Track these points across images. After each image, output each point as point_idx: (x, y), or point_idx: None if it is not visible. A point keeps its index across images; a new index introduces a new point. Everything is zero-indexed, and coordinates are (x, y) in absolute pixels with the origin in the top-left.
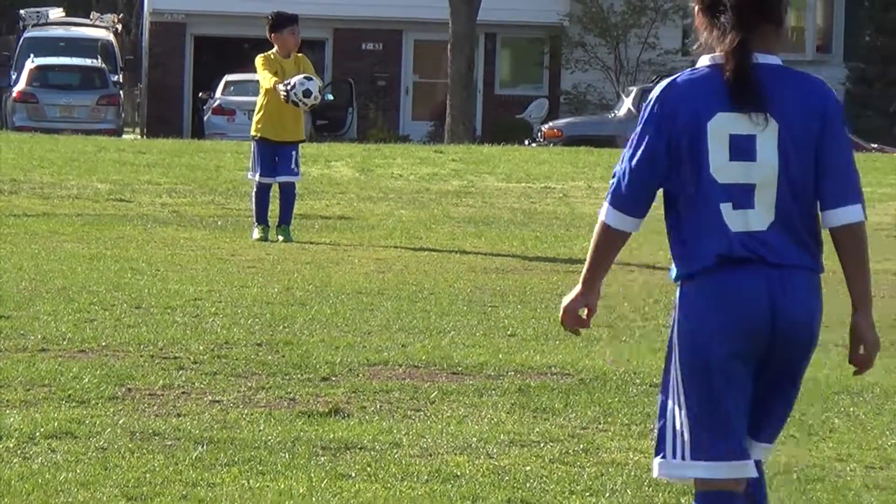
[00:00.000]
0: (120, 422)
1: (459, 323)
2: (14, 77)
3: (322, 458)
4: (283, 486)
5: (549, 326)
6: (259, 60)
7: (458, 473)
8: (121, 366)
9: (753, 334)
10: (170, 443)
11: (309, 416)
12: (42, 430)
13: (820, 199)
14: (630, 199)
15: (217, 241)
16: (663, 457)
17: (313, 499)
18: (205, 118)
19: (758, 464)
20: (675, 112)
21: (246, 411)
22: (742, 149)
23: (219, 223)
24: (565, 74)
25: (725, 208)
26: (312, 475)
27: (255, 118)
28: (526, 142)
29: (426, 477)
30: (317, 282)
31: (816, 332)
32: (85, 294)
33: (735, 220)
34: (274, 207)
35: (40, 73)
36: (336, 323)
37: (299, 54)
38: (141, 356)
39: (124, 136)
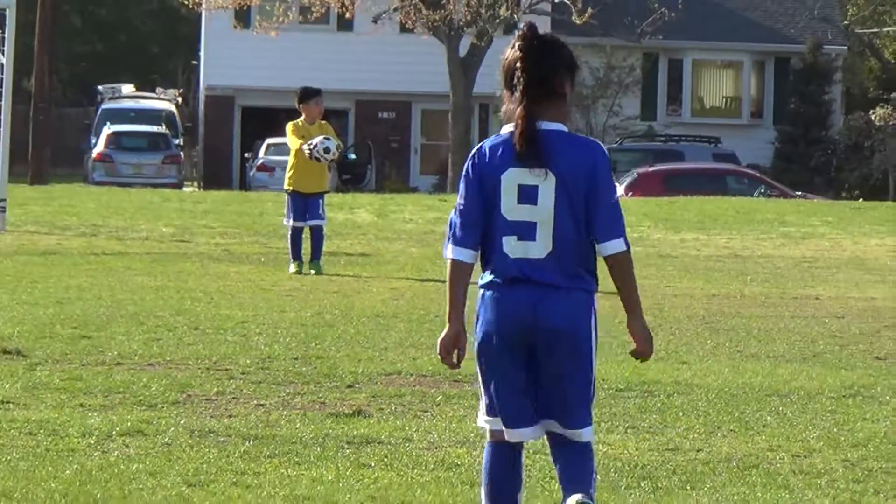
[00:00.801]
0: (181, 422)
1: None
2: (94, 141)
3: (347, 451)
4: (315, 474)
5: None
6: (289, 127)
7: (459, 463)
8: (182, 376)
9: (519, 335)
10: (222, 439)
11: (336, 417)
12: (118, 429)
13: (593, 235)
14: (465, 237)
15: (260, 275)
16: (481, 413)
17: (340, 484)
18: (250, 174)
19: (586, 445)
20: (483, 168)
21: (285, 413)
22: (526, 195)
23: (262, 259)
24: None
25: (511, 240)
26: (339, 465)
27: (287, 174)
28: None
29: (433, 466)
30: (342, 307)
31: (581, 338)
32: (152, 318)
33: (518, 248)
34: (306, 247)
35: (115, 137)
36: (358, 341)
37: (323, 122)
38: (198, 368)
39: (184, 189)
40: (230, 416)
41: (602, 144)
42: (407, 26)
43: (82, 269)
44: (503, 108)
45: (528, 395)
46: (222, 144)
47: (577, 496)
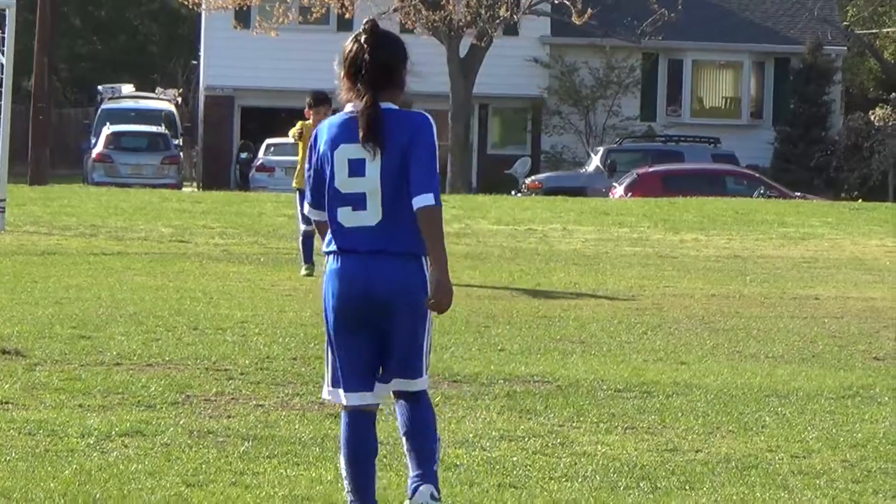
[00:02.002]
0: (180, 422)
1: (458, 340)
2: (93, 141)
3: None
4: (314, 474)
5: (531, 342)
6: (294, 129)
7: (458, 463)
8: (181, 377)
9: (355, 304)
10: (221, 439)
11: (335, 417)
12: (117, 429)
13: (409, 191)
14: (315, 201)
15: (260, 275)
16: (325, 385)
17: (339, 485)
18: (250, 175)
19: (421, 394)
20: (319, 145)
21: (284, 413)
22: (355, 168)
23: (261, 259)
24: (545, 137)
25: (344, 211)
26: (338, 466)
27: (297, 173)
28: (512, 192)
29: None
30: None
31: (412, 302)
32: (151, 318)
33: (351, 218)
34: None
35: (115, 138)
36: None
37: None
38: (197, 369)
39: (184, 189)
40: (229, 417)
41: (429, 116)
42: (407, 27)
43: (81, 270)
44: (340, 96)
45: (367, 361)
46: (222, 145)
47: (424, 487)
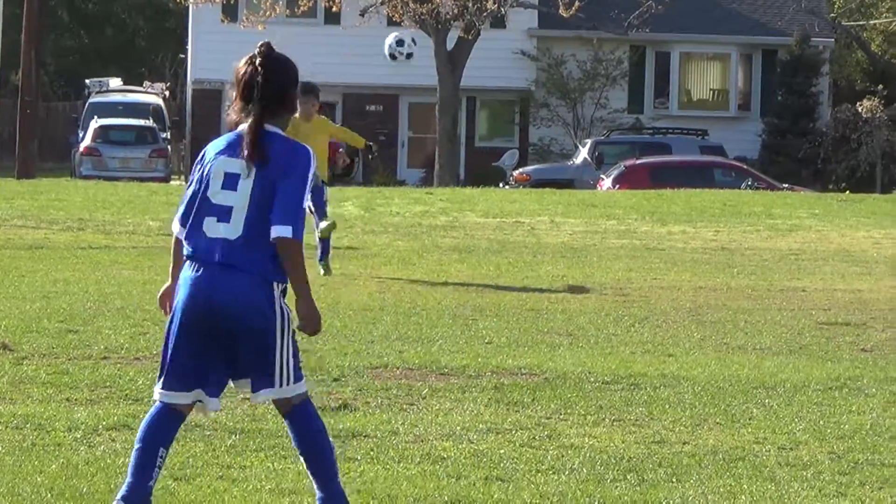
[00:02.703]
0: None
1: (446, 333)
2: (81, 135)
3: (334, 445)
4: (301, 468)
5: (519, 335)
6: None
7: (445, 456)
8: None
9: (197, 310)
10: (209, 433)
11: (323, 410)
12: (104, 423)
13: (270, 219)
14: (185, 217)
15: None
16: (157, 384)
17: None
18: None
19: (299, 405)
20: (206, 157)
21: (270, 407)
22: (229, 182)
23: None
24: (532, 130)
25: (210, 221)
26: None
27: None
28: (500, 185)
29: (419, 459)
30: (329, 300)
31: (256, 320)
32: (139, 312)
33: (215, 228)
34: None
35: (103, 131)
36: (345, 334)
37: (322, 117)
38: None
39: (171, 183)
40: (219, 410)
41: (311, 151)
42: (394, 19)
43: (69, 263)
44: (230, 116)
45: (195, 367)
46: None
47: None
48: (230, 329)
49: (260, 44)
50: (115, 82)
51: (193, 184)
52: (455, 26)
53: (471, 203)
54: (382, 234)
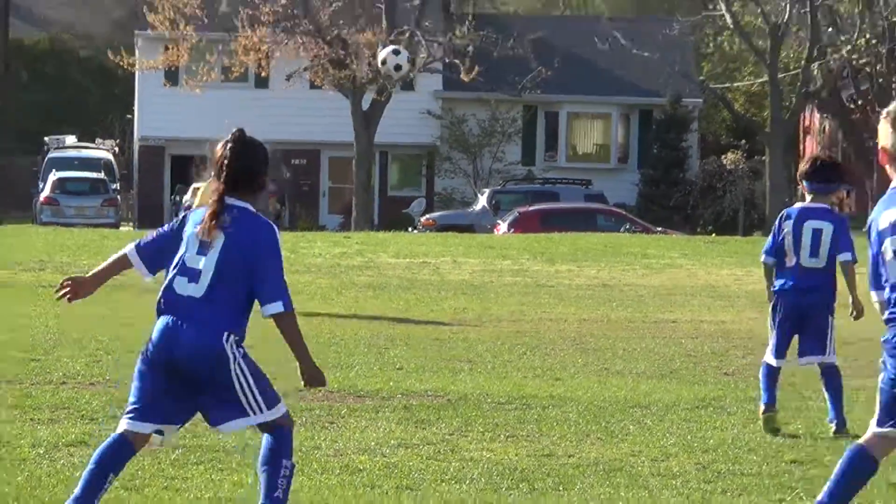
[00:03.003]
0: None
1: (362, 360)
2: (42, 186)
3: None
4: (236, 478)
5: (426, 362)
6: (201, 188)
7: (361, 468)
8: (119, 394)
9: (161, 357)
10: (155, 449)
11: (252, 427)
12: (63, 440)
13: (258, 299)
14: (145, 246)
15: None
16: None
17: (258, 488)
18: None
19: (274, 427)
20: (183, 223)
21: (209, 426)
22: (201, 249)
23: None
24: (438, 180)
25: (182, 280)
26: (257, 471)
27: None
28: (410, 229)
29: (338, 471)
30: (260, 333)
31: (210, 361)
32: (93, 343)
33: (185, 287)
34: None
35: (60, 183)
36: (274, 361)
37: None
38: None
39: (121, 228)
40: None
41: (274, 226)
42: (316, 83)
43: (32, 300)
44: (206, 190)
45: (162, 402)
46: (155, 189)
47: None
48: (189, 371)
49: (235, 129)
50: (71, 139)
51: (165, 233)
52: (370, 89)
53: (384, 245)
54: (306, 273)
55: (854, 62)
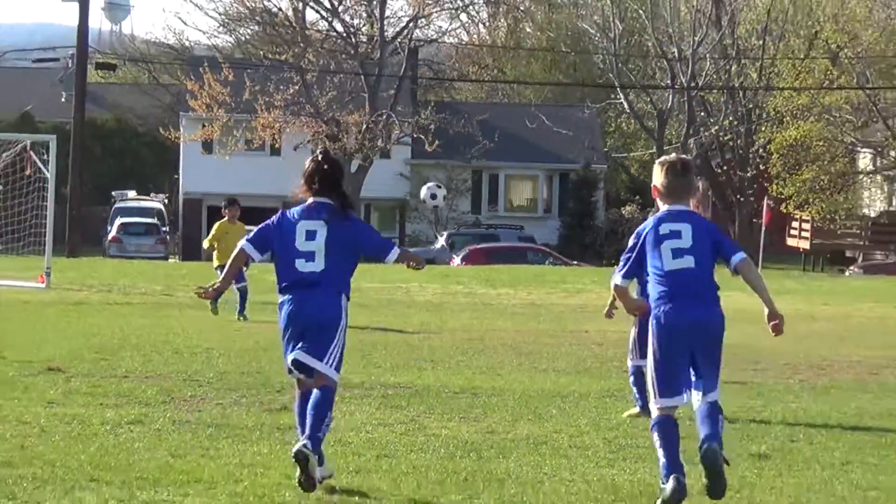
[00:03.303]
0: (167, 415)
1: (351, 360)
2: (109, 228)
3: (276, 434)
4: (255, 448)
5: (399, 361)
6: (217, 224)
7: (350, 441)
8: (167, 385)
9: (297, 321)
10: (194, 426)
11: (269, 411)
12: (125, 419)
13: (375, 254)
14: (254, 241)
15: (219, 318)
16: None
17: (272, 455)
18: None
19: (326, 380)
20: (284, 221)
21: (236, 408)
22: (310, 235)
23: (221, 309)
24: (408, 225)
25: (301, 261)
26: (271, 443)
27: (215, 256)
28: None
29: (332, 443)
30: (273, 339)
31: (327, 318)
32: (148, 346)
33: (304, 266)
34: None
35: (124, 226)
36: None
37: (239, 222)
38: (178, 379)
39: (169, 260)
40: (199, 411)
41: (355, 213)
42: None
43: (101, 314)
44: (297, 194)
45: (293, 342)
46: (195, 231)
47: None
48: (315, 323)
49: (321, 149)
50: (132, 193)
51: (268, 228)
52: (357, 157)
53: (368, 274)
54: None
55: (720, 138)
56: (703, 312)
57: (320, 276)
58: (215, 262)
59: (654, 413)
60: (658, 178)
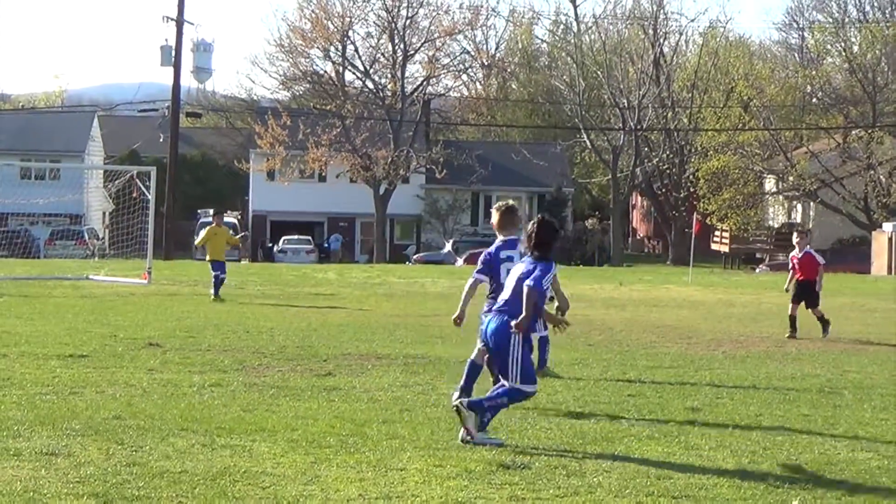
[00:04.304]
0: (240, 379)
1: (380, 337)
2: (196, 238)
3: (323, 393)
4: (307, 405)
5: (416, 337)
6: (207, 228)
7: (379, 399)
8: (240, 356)
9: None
10: (261, 388)
11: (318, 376)
12: (208, 383)
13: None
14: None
15: (280, 305)
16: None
17: (319, 411)
18: (275, 254)
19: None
20: (494, 256)
21: (291, 374)
22: (507, 268)
23: (280, 297)
24: (423, 235)
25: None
26: (319, 400)
27: (209, 251)
28: (406, 263)
29: (366, 400)
30: (321, 322)
31: (503, 338)
32: (225, 327)
33: (504, 293)
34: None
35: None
36: (328, 338)
37: (224, 227)
38: (249, 352)
39: (241, 262)
40: (264, 376)
41: (552, 266)
42: (353, 179)
43: (189, 303)
44: (522, 246)
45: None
46: (261, 240)
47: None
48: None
49: (539, 216)
50: (212, 211)
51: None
52: (384, 182)
53: (392, 272)
54: (347, 287)
55: (659, 167)
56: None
57: (508, 301)
58: (208, 258)
59: None
60: (496, 217)
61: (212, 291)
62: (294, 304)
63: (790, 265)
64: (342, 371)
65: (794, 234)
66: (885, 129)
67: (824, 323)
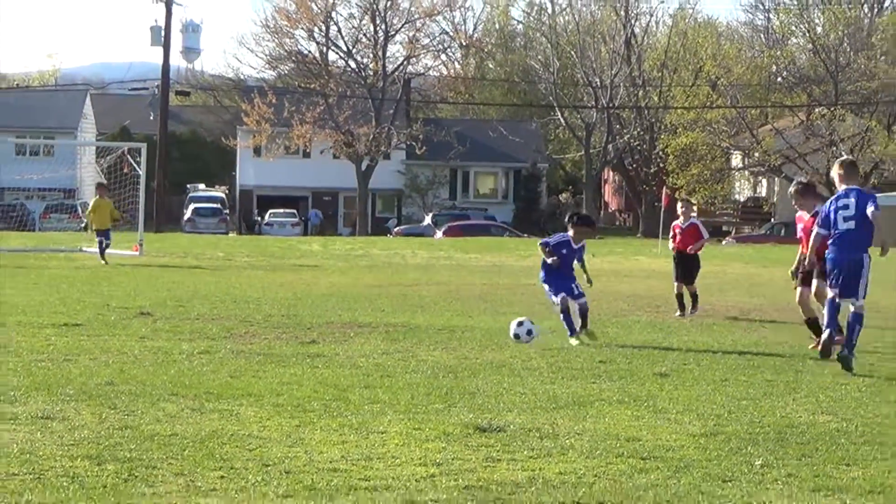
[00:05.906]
0: (228, 347)
1: (361, 305)
2: (185, 212)
3: (307, 360)
4: (292, 371)
5: (397, 306)
6: (95, 199)
7: (361, 365)
8: (227, 324)
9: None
10: (247, 355)
11: (302, 343)
12: (196, 350)
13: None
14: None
15: (265, 274)
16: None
17: (304, 376)
18: (263, 227)
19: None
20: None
21: (277, 342)
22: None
23: (265, 267)
24: (404, 208)
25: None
26: (304, 367)
27: (91, 221)
28: (388, 235)
29: (348, 366)
30: (305, 291)
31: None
32: (213, 297)
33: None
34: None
35: (196, 210)
36: (313, 307)
37: (107, 199)
38: (236, 320)
39: (229, 234)
40: (251, 344)
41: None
42: (336, 155)
43: (179, 273)
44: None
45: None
46: (248, 214)
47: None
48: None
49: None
50: (201, 186)
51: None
52: (366, 158)
53: (374, 244)
54: (331, 259)
55: (630, 144)
56: None
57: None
58: (93, 227)
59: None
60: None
61: (99, 258)
62: (280, 273)
63: (671, 233)
64: (326, 339)
65: (679, 203)
66: (846, 107)
67: (694, 299)
